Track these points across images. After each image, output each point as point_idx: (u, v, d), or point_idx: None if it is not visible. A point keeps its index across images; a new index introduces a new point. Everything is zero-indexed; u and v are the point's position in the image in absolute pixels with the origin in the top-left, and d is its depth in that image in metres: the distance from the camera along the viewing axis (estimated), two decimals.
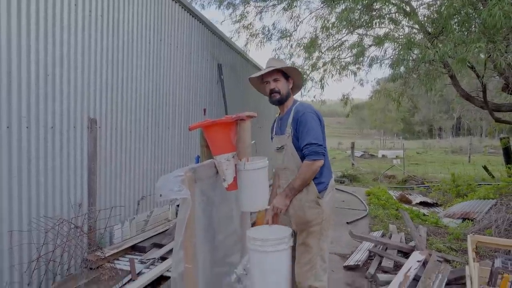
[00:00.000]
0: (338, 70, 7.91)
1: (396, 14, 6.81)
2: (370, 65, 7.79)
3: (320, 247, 2.67)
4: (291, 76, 2.88)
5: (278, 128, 2.92)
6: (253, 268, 2.65)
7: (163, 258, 4.14)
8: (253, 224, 5.71)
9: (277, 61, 2.93)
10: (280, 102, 2.85)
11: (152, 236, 4.73)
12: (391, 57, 7.17)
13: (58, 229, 3.53)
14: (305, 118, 2.63)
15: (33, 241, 3.39)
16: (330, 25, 7.27)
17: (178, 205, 5.64)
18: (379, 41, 6.74)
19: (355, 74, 8.31)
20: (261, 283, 2.57)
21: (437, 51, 5.06)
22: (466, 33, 5.58)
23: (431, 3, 6.81)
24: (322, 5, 7.80)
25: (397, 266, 4.44)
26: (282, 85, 2.80)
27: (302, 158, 2.66)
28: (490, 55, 5.25)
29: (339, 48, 7.84)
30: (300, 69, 7.70)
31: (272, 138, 3.02)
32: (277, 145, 2.86)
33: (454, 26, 5.73)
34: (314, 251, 2.66)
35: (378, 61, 7.61)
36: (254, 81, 2.99)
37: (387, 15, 6.80)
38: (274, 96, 2.82)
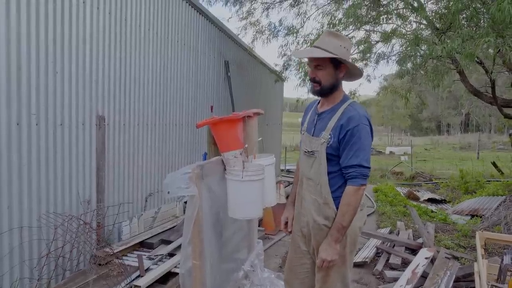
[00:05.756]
0: None
1: (404, 9, 6.76)
2: (377, 62, 7.74)
3: (342, 274, 2.27)
4: (345, 62, 2.22)
5: (313, 125, 2.35)
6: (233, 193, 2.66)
7: (171, 255, 4.16)
8: (260, 222, 5.75)
9: (331, 39, 2.19)
10: (320, 95, 2.31)
11: (160, 233, 4.76)
12: (399, 53, 7.12)
13: (67, 226, 3.57)
14: (359, 133, 2.09)
15: (42, 237, 3.43)
16: (337, 21, 7.23)
17: (185, 202, 5.66)
18: (386, 37, 6.70)
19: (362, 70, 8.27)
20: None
21: (444, 47, 5.02)
22: (474, 28, 5.52)
23: None
24: (329, 1, 7.76)
25: (405, 263, 4.43)
26: (325, 75, 2.21)
27: (331, 172, 2.21)
28: (500, 49, 5.20)
29: None
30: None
31: (302, 131, 2.47)
32: (307, 147, 2.32)
33: (463, 22, 5.67)
34: (333, 280, 2.25)
35: (385, 58, 7.55)
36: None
37: (395, 11, 6.75)
38: (314, 87, 2.26)
